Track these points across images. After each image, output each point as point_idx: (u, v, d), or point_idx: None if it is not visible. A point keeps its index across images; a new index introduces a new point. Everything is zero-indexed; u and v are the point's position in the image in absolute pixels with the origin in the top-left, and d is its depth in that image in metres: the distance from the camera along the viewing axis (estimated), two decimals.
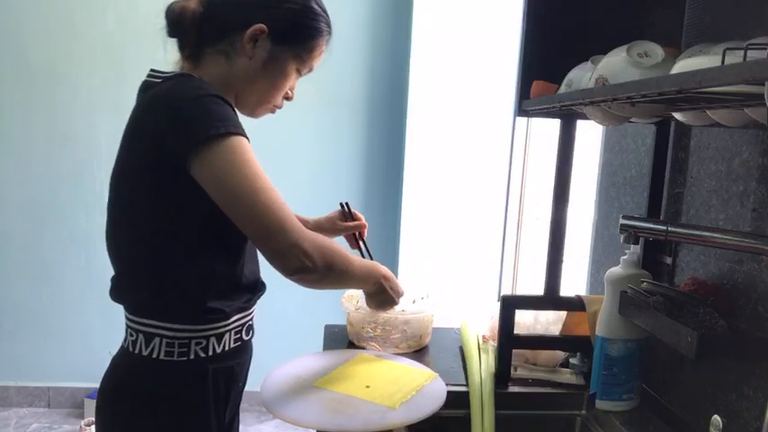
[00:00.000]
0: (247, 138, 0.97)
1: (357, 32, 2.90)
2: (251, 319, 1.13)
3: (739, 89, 0.66)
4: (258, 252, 1.03)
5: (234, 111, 1.00)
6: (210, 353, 1.03)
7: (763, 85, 0.57)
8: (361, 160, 3.01)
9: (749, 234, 0.93)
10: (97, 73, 2.78)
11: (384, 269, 1.18)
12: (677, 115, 0.97)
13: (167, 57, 1.07)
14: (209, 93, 0.95)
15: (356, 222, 1.44)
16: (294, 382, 1.18)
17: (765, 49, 0.61)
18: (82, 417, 2.80)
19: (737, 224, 1.03)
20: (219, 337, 1.04)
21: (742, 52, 0.61)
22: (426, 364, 1.31)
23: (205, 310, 1.01)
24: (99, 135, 2.78)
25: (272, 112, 1.14)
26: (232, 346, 1.07)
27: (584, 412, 1.25)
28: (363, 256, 1.40)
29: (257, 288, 1.13)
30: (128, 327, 1.04)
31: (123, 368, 1.04)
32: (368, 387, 1.16)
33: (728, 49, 0.65)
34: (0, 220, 2.88)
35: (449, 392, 1.16)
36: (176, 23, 1.05)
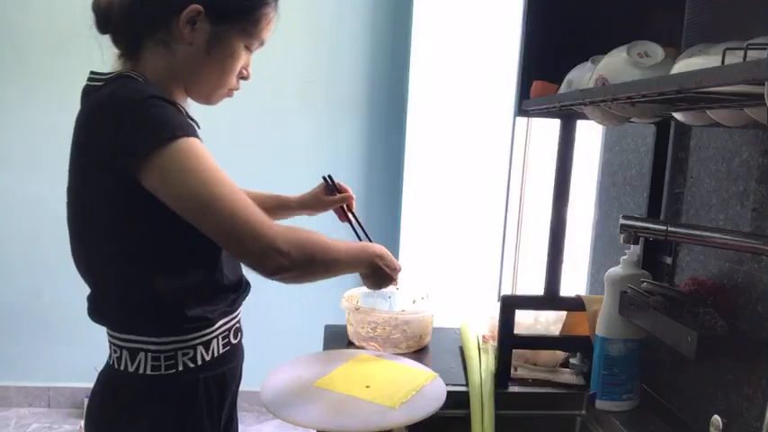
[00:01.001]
0: (197, 136, 0.91)
1: (357, 32, 2.89)
2: (237, 322, 1.10)
3: (739, 89, 0.66)
4: None
5: (178, 108, 0.94)
6: (200, 362, 0.99)
7: (763, 85, 0.57)
8: (362, 160, 3.01)
9: (749, 234, 0.93)
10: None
11: (376, 248, 1.12)
12: (677, 115, 0.97)
13: (104, 56, 1.00)
14: (149, 95, 0.89)
15: (342, 195, 1.37)
16: (294, 382, 1.18)
17: (765, 49, 0.61)
18: (82, 417, 2.80)
19: (737, 224, 1.03)
20: (207, 345, 1.00)
21: (742, 52, 0.61)
22: (426, 364, 1.30)
23: (188, 319, 0.97)
24: None
25: (230, 95, 1.07)
26: (221, 351, 1.03)
27: (584, 412, 1.25)
28: (354, 229, 1.35)
29: (241, 288, 1.09)
30: (111, 343, 1.00)
31: (110, 386, 1.00)
32: (368, 387, 1.16)
33: (728, 49, 0.65)
34: (0, 220, 2.89)
35: (449, 392, 1.16)
36: (104, 18, 0.97)
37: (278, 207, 1.38)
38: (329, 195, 1.38)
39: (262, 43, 1.04)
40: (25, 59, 2.79)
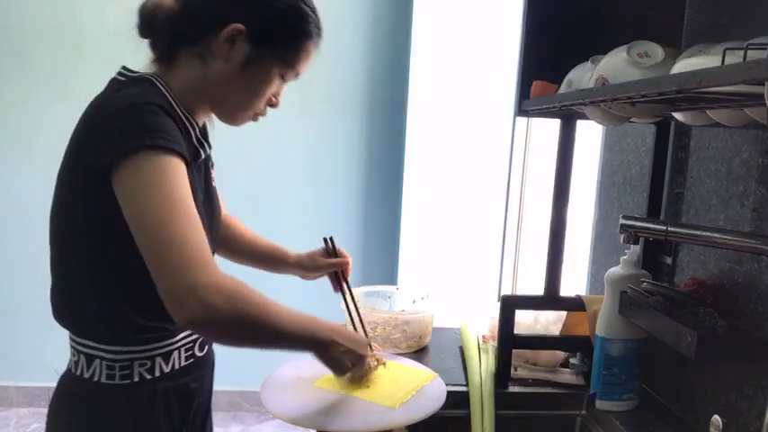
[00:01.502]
0: (181, 154, 0.86)
1: (357, 32, 2.90)
2: None
3: (739, 89, 0.66)
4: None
5: (177, 121, 0.91)
6: (158, 373, 0.95)
7: (763, 85, 0.57)
8: (362, 160, 3.01)
9: (749, 234, 0.93)
10: (97, 73, 2.77)
11: (330, 325, 0.99)
12: (677, 115, 0.97)
13: (136, 58, 0.99)
14: (148, 101, 0.87)
15: (338, 259, 1.32)
16: (294, 382, 1.18)
17: (765, 49, 0.61)
18: None
19: (737, 224, 1.03)
20: (167, 357, 0.96)
21: (742, 52, 0.61)
22: (426, 364, 1.30)
23: (146, 329, 0.93)
24: None
25: (254, 119, 1.05)
26: (183, 364, 0.99)
27: (584, 412, 1.25)
28: (345, 299, 1.31)
29: None
30: (71, 346, 0.97)
31: (67, 391, 0.98)
32: (368, 387, 1.16)
33: (728, 49, 0.65)
34: (0, 221, 2.89)
35: (449, 392, 1.16)
36: (148, 22, 0.97)
37: (273, 257, 1.33)
38: (326, 258, 1.32)
39: (297, 75, 1.03)
40: (27, 59, 2.79)
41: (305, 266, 1.33)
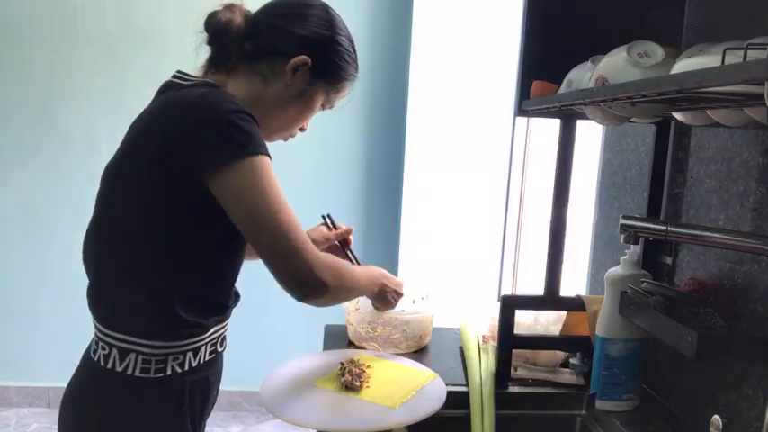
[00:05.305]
0: (270, 156, 0.96)
1: (357, 32, 2.89)
2: (225, 330, 1.10)
3: (739, 89, 0.66)
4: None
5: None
6: (186, 367, 0.99)
7: (763, 85, 0.57)
8: (361, 161, 3.01)
9: (749, 234, 0.93)
10: (97, 74, 2.77)
11: (378, 270, 1.23)
12: (677, 115, 0.97)
13: (197, 62, 1.06)
14: (242, 109, 0.94)
15: (344, 228, 1.42)
16: (294, 382, 1.18)
17: (765, 49, 0.61)
18: None
19: (737, 224, 1.03)
20: (196, 351, 1.01)
21: (742, 52, 0.61)
22: (426, 364, 1.31)
23: (186, 323, 0.98)
24: (99, 136, 2.77)
25: (285, 139, 1.16)
26: (207, 358, 1.04)
27: (584, 412, 1.25)
28: (352, 263, 1.38)
29: (235, 298, 1.10)
30: (99, 339, 0.99)
31: (94, 383, 1.00)
32: (368, 387, 1.16)
33: (728, 49, 0.65)
34: (0, 221, 2.89)
35: (449, 392, 1.16)
36: (220, 35, 1.03)
37: None
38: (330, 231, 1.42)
39: (331, 107, 1.15)
40: (27, 60, 2.79)
41: (314, 240, 1.37)
